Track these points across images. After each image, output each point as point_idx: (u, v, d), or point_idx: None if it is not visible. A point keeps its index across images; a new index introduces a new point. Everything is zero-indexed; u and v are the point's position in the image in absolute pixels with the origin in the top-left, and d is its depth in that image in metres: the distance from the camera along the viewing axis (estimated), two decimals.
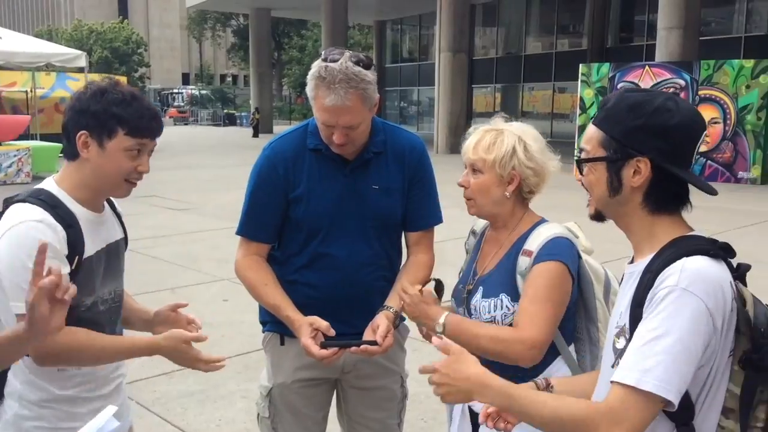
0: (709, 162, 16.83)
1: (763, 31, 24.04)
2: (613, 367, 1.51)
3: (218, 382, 4.55)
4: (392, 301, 2.32)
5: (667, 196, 1.54)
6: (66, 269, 1.84)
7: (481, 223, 2.36)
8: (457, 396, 1.54)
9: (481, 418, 1.75)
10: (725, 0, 25.17)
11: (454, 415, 2.29)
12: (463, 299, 2.23)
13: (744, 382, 1.43)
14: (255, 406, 2.58)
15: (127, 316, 2.23)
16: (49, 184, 1.96)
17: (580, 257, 2.12)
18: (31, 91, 20.36)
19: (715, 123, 16.64)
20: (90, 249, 1.94)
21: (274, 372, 2.48)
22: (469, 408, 2.21)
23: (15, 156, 15.08)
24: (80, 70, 18.85)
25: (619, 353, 1.49)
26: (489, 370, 1.54)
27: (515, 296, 2.08)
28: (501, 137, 2.13)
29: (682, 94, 16.67)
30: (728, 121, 16.55)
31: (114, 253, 2.08)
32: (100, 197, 2.02)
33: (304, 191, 2.34)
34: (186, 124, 54.28)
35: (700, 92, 16.75)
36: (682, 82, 16.95)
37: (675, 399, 1.37)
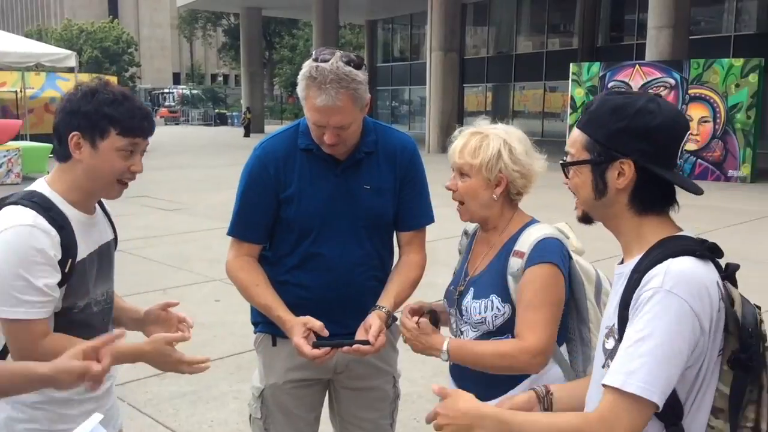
0: (699, 161, 16.92)
1: (752, 30, 24.19)
2: (603, 367, 1.52)
3: (210, 383, 4.54)
4: (384, 301, 2.32)
5: (652, 196, 1.55)
6: (57, 277, 1.84)
7: (473, 224, 2.36)
8: None
9: None
10: None
11: None
12: (454, 300, 2.24)
13: (733, 382, 1.44)
14: (247, 407, 2.58)
15: (118, 316, 2.22)
16: (42, 186, 1.95)
17: (570, 258, 2.13)
18: (21, 91, 20.26)
19: (705, 122, 16.73)
20: (83, 251, 1.94)
21: (266, 373, 2.48)
22: None
23: (5, 157, 14.99)
24: (70, 70, 18.78)
25: (609, 354, 1.51)
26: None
27: (506, 297, 2.09)
28: (486, 141, 2.13)
29: (672, 93, 16.77)
30: (718, 120, 16.63)
31: (106, 254, 2.08)
32: (92, 199, 2.01)
33: (295, 191, 2.33)
34: (177, 124, 54.12)
35: (689, 91, 16.83)
36: (672, 81, 17.03)
37: (659, 401, 1.38)
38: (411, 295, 2.43)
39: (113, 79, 20.61)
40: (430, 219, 2.51)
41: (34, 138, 17.71)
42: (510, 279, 2.09)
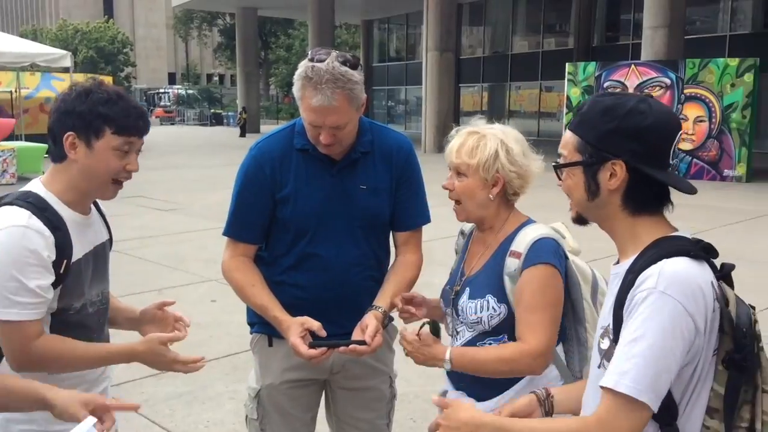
0: (694, 160, 16.95)
1: (747, 30, 24.25)
2: (599, 367, 1.53)
3: (206, 383, 4.53)
4: (381, 301, 2.32)
5: (646, 196, 1.55)
6: (50, 278, 1.84)
7: (469, 224, 2.36)
8: None
9: None
10: None
11: None
12: (450, 300, 2.24)
13: (728, 382, 1.44)
14: (243, 408, 2.58)
15: (113, 316, 2.22)
16: (37, 187, 1.94)
17: (566, 258, 2.13)
18: (16, 91, 20.20)
19: (701, 121, 16.77)
20: (78, 252, 1.94)
21: (262, 373, 2.48)
22: None
23: (0, 157, 14.97)
24: (65, 70, 18.74)
25: (604, 354, 1.52)
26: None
27: (502, 297, 2.09)
28: (484, 141, 2.13)
29: (667, 93, 16.80)
30: (713, 120, 16.66)
31: (101, 254, 2.08)
32: (87, 199, 2.01)
33: (291, 191, 2.33)
34: (172, 124, 53.97)
35: (685, 91, 16.86)
36: (668, 81, 17.06)
37: (650, 401, 1.39)
38: None
39: (108, 79, 20.52)
40: (427, 219, 2.51)
41: (29, 138, 17.68)
42: (506, 279, 2.09)
